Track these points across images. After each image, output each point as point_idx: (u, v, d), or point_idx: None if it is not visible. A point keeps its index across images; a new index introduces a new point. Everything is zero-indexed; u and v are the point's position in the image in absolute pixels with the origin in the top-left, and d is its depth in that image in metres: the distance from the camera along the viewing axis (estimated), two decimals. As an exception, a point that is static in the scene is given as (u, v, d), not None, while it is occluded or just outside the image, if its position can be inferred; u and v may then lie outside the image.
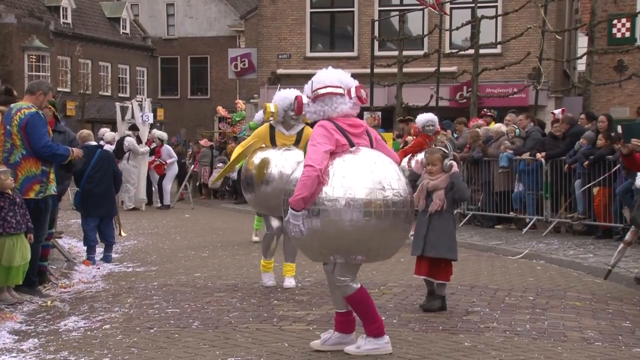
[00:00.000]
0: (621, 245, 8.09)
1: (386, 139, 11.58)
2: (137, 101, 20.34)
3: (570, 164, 12.15)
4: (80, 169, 9.48)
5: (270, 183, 7.33)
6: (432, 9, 21.07)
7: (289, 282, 7.68)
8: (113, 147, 18.47)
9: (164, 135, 20.60)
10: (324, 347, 5.20)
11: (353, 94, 5.12)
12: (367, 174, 4.94)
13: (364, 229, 4.89)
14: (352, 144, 5.05)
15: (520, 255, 10.19)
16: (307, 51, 27.14)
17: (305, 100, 5.32)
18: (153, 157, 20.03)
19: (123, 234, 11.12)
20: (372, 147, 5.18)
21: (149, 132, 20.41)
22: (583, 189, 11.84)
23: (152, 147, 20.04)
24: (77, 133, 10.30)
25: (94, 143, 10.27)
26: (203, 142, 24.51)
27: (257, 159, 7.53)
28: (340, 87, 5.12)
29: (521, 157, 13.10)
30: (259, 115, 11.79)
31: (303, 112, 5.46)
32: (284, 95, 7.54)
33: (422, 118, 11.57)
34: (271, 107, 7.53)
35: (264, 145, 7.69)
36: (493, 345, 5.41)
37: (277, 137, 7.61)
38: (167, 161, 20.13)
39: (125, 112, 20.25)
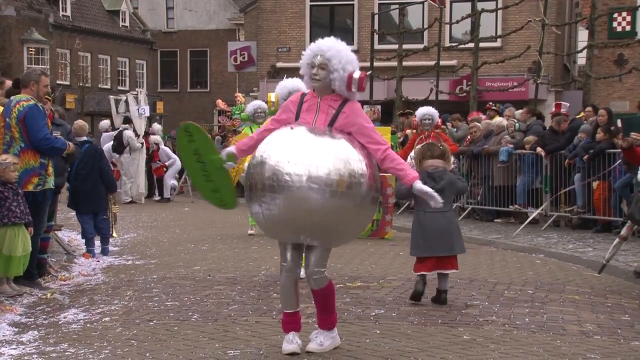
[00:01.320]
0: (617, 240, 8.10)
1: (383, 133, 11.60)
2: (133, 94, 20.29)
3: (570, 158, 12.15)
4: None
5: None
6: (432, 3, 21.05)
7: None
8: (110, 134, 18.50)
9: (158, 139, 20.51)
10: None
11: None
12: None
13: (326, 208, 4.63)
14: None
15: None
16: (307, 44, 27.03)
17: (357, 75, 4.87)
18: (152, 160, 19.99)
19: (114, 234, 11.05)
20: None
21: (150, 125, 20.39)
22: (583, 183, 11.84)
23: (149, 150, 19.95)
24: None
25: (83, 138, 9.96)
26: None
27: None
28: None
29: (521, 151, 13.11)
30: (250, 107, 11.82)
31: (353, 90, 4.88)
32: (284, 84, 7.48)
33: (420, 112, 11.57)
34: (272, 96, 7.47)
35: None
36: (492, 339, 5.41)
37: None
38: (166, 163, 20.04)
39: (119, 105, 20.22)
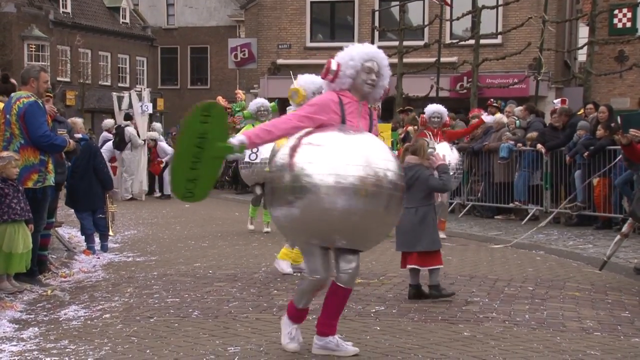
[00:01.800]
0: (618, 237, 8.10)
1: (384, 129, 11.59)
2: (137, 91, 20.31)
3: (571, 156, 12.14)
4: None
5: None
6: (436, 1, 21.00)
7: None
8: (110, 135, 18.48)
9: (155, 135, 20.48)
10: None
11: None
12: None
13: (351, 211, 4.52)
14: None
15: (511, 244, 10.24)
16: (307, 41, 27.12)
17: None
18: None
19: (111, 233, 11.04)
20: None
21: (150, 123, 20.38)
22: (584, 184, 11.82)
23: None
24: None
25: (79, 135, 9.90)
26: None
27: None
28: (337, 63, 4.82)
29: (521, 148, 13.11)
30: (253, 104, 11.85)
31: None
32: (312, 80, 7.40)
33: (430, 109, 11.38)
34: (300, 90, 7.46)
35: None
36: (492, 335, 5.42)
37: None
38: (164, 159, 19.98)
39: (121, 102, 20.21)
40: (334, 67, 4.80)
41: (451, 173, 10.12)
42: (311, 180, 4.50)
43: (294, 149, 4.64)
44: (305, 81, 7.51)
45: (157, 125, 21.66)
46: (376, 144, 4.74)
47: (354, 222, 4.55)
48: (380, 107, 21.23)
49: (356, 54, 4.83)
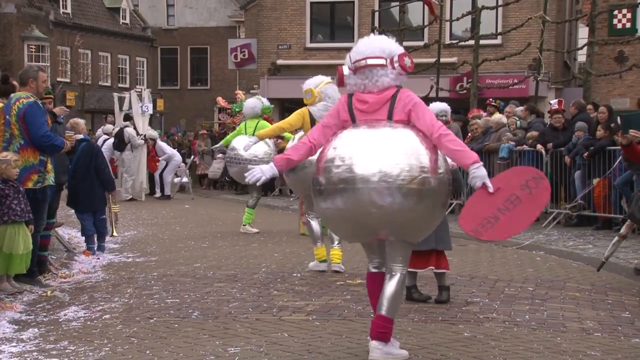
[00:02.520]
0: (616, 238, 8.10)
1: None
2: (137, 92, 20.30)
3: (572, 157, 12.13)
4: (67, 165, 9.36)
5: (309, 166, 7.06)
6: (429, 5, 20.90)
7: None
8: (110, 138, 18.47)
9: (155, 134, 20.46)
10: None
11: (396, 64, 4.75)
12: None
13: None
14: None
15: (522, 245, 10.21)
16: (307, 42, 27.11)
17: (346, 71, 4.85)
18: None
19: (115, 234, 11.04)
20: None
21: (150, 124, 20.34)
22: (585, 190, 11.80)
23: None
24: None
25: (80, 136, 9.86)
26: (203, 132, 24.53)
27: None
28: (382, 58, 4.73)
29: (522, 148, 13.11)
30: (247, 107, 11.91)
31: (345, 85, 4.91)
32: (315, 82, 7.75)
33: (436, 107, 11.34)
34: (315, 90, 7.88)
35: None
36: (492, 336, 5.42)
37: (314, 121, 7.79)
38: (160, 157, 19.94)
39: (122, 103, 20.20)
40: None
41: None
42: (357, 174, 4.52)
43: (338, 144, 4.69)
44: (315, 82, 7.96)
45: (150, 132, 21.42)
46: (415, 140, 4.62)
47: (404, 218, 4.55)
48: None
49: (349, 56, 4.85)
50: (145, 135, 19.06)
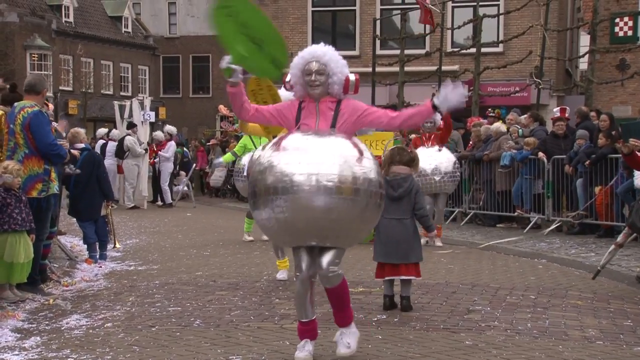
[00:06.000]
0: (612, 247, 8.09)
1: (386, 137, 11.60)
2: (138, 100, 20.35)
3: (573, 166, 12.12)
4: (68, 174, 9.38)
5: None
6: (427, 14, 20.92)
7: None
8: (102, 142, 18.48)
9: (173, 129, 20.49)
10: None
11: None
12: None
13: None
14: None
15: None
16: (309, 50, 27.12)
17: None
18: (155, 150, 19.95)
19: (118, 245, 11.01)
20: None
21: (151, 132, 20.38)
22: (589, 202, 11.80)
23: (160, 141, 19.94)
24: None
25: (81, 145, 9.94)
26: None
27: None
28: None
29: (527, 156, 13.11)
30: None
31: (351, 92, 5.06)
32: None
33: None
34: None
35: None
36: (494, 344, 5.41)
37: None
38: (159, 152, 19.86)
39: (123, 110, 20.22)
40: (287, 79, 5.09)
41: (439, 177, 10.96)
42: (292, 180, 4.61)
43: (273, 151, 4.78)
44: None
45: (168, 127, 21.38)
46: (348, 147, 4.75)
47: (332, 220, 4.65)
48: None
49: (295, 62, 5.01)
50: (147, 143, 19.09)
